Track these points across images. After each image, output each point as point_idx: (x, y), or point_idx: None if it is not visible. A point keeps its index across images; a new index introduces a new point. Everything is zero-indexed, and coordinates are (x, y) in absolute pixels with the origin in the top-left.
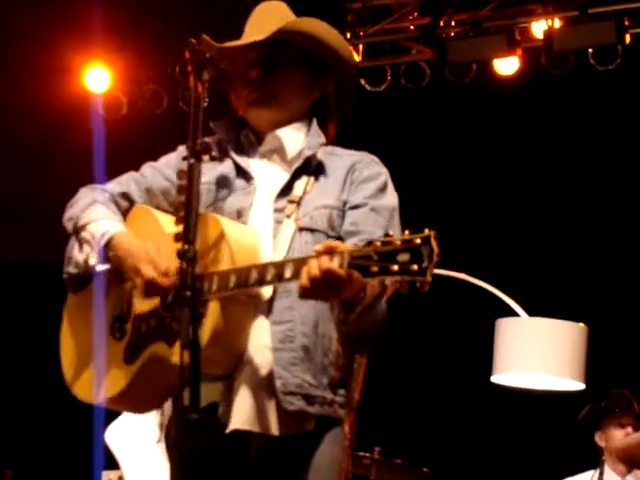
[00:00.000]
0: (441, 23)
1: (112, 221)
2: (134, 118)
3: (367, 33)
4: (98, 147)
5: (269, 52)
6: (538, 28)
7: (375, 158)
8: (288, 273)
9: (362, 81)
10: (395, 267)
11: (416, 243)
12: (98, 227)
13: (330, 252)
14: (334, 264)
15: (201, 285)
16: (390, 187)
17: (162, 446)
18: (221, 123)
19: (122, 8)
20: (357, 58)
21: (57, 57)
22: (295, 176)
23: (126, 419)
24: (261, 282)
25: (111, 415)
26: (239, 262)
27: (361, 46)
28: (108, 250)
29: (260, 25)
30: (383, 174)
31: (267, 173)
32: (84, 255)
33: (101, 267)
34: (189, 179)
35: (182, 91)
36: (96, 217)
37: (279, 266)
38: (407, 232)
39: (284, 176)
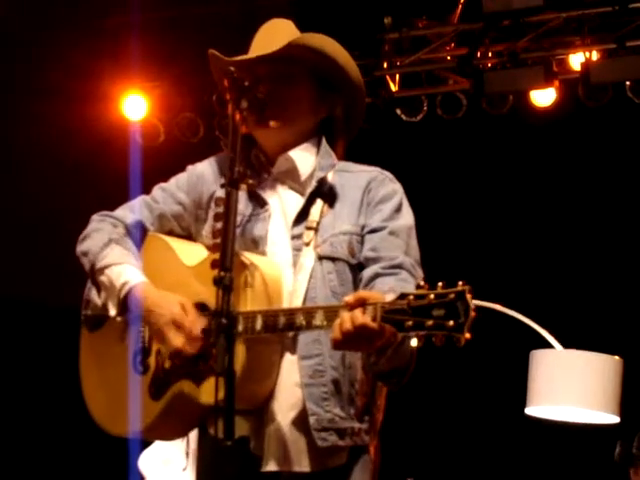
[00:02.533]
0: (478, 54)
1: (131, 267)
2: (171, 146)
3: (404, 63)
4: (135, 174)
5: (278, 68)
6: (576, 60)
7: (389, 174)
8: (318, 321)
9: (398, 111)
10: (430, 322)
11: (450, 298)
12: (117, 275)
13: (362, 304)
14: (367, 318)
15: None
16: (405, 205)
17: (188, 474)
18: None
19: (159, 37)
20: (393, 88)
21: (95, 85)
22: (310, 200)
23: (158, 446)
24: (290, 328)
25: (146, 443)
26: (261, 295)
27: (397, 76)
28: (128, 301)
29: (268, 41)
30: (398, 192)
31: (280, 198)
32: (102, 300)
33: (120, 318)
34: (227, 207)
35: (218, 119)
36: (114, 261)
37: (308, 313)
38: (440, 285)
39: (298, 200)
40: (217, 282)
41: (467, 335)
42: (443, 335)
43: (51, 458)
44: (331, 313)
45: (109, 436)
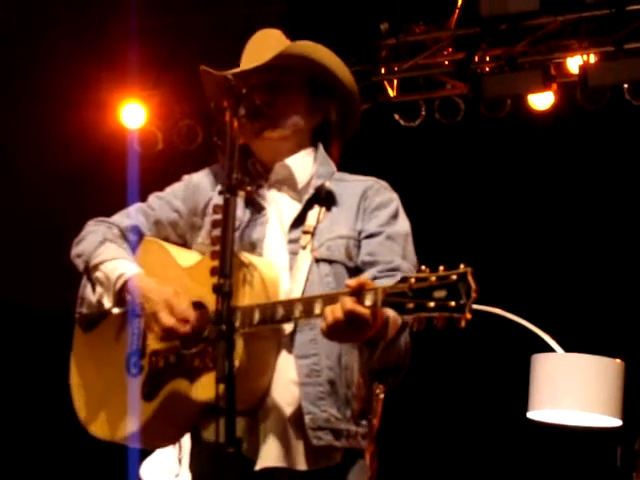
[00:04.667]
0: (476, 58)
1: (126, 261)
2: (169, 153)
3: (401, 68)
4: (133, 182)
5: (270, 77)
6: (573, 63)
7: (384, 183)
8: (317, 309)
9: (396, 116)
10: (431, 304)
11: (452, 279)
12: (112, 268)
13: (362, 288)
14: (367, 302)
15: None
16: (402, 212)
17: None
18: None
19: (157, 45)
20: (391, 93)
21: (94, 93)
22: (307, 206)
23: (159, 455)
24: (288, 318)
25: (145, 452)
26: (260, 294)
27: (395, 81)
28: (123, 293)
29: (258, 52)
30: (394, 200)
31: (277, 203)
32: (97, 296)
33: (117, 310)
34: (225, 213)
35: (217, 126)
36: (109, 257)
37: (307, 302)
38: (442, 268)
39: (295, 206)
40: (217, 289)
41: (468, 316)
42: (444, 317)
43: (49, 466)
44: (330, 301)
45: (107, 444)
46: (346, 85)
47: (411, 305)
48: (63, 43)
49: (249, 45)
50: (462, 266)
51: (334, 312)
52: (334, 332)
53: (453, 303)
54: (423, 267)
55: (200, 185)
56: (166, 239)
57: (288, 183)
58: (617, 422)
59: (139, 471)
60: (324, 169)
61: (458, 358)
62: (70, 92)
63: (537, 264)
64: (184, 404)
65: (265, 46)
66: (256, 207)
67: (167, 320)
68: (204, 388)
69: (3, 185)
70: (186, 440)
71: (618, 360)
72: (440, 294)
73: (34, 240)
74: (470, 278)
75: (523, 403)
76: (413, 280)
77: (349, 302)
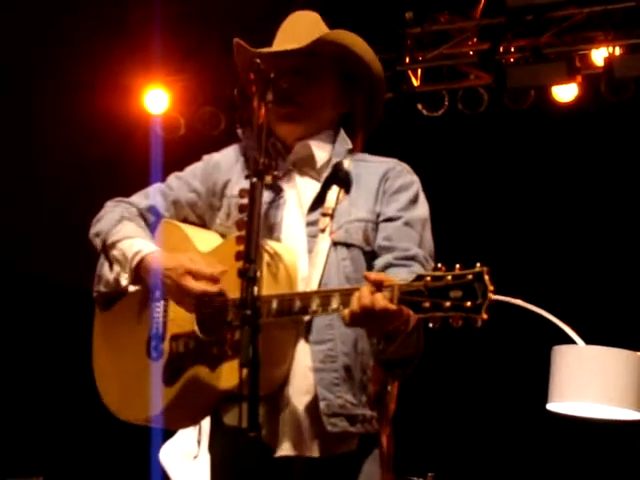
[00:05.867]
0: (500, 49)
1: (143, 239)
2: (192, 139)
3: (426, 58)
4: (156, 167)
5: (302, 62)
6: (598, 55)
7: (406, 166)
8: (335, 304)
9: (419, 106)
10: (447, 303)
11: (468, 279)
12: (129, 246)
13: (379, 285)
14: (386, 297)
15: None
16: (421, 197)
17: (199, 463)
18: (248, 130)
19: (181, 32)
20: (415, 83)
21: (117, 78)
22: (326, 186)
23: (178, 438)
24: (305, 311)
25: (167, 434)
26: (283, 284)
27: (419, 71)
28: (140, 270)
29: (293, 34)
30: (415, 183)
31: (297, 185)
32: (114, 274)
33: (133, 288)
34: (251, 198)
35: (239, 113)
36: (126, 235)
37: (325, 296)
38: (458, 267)
39: (314, 187)
40: (242, 274)
41: (484, 316)
42: (460, 317)
43: (72, 450)
44: (347, 296)
45: (130, 427)
46: (377, 78)
47: (427, 304)
48: (87, 29)
49: (285, 25)
50: (478, 265)
51: (362, 299)
52: (359, 320)
53: (469, 303)
54: (439, 265)
55: (219, 165)
56: (185, 219)
57: (307, 162)
58: (637, 415)
59: (159, 454)
60: (340, 147)
61: (478, 348)
62: (94, 77)
63: (559, 255)
64: (205, 391)
65: (300, 29)
66: (274, 189)
67: (195, 286)
68: (225, 377)
69: (28, 170)
70: (205, 422)
71: (639, 353)
72: (456, 294)
73: (59, 224)
74: (486, 278)
75: (543, 395)
76: (429, 278)
77: (379, 294)
